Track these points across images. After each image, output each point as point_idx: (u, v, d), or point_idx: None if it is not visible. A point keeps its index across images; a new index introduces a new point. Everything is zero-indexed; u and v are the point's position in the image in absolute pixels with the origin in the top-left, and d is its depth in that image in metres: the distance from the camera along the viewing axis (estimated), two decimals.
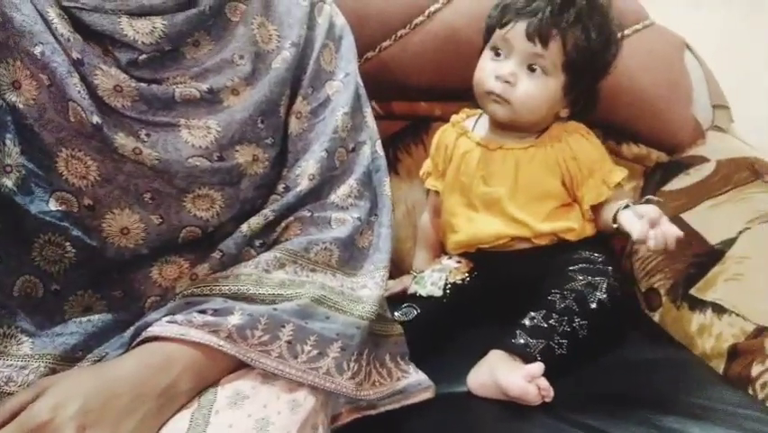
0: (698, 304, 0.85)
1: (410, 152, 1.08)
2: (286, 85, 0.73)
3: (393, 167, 1.07)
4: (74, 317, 0.65)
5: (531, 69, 0.84)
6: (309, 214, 0.73)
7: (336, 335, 0.64)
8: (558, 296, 0.79)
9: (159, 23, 0.65)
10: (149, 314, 0.65)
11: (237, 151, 0.69)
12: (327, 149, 0.74)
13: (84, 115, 0.62)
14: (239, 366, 0.62)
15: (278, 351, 0.62)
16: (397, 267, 1.06)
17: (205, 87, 0.68)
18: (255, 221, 0.71)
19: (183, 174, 0.66)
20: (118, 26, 0.63)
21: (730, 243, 0.88)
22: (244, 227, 0.70)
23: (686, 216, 0.96)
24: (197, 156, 0.67)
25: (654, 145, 1.07)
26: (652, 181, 1.06)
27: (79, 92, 0.62)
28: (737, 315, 0.79)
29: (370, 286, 0.72)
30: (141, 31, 0.64)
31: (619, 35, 0.88)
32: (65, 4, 0.62)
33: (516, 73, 0.84)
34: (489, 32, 0.89)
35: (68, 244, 0.63)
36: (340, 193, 0.75)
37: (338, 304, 0.68)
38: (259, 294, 0.66)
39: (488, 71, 0.87)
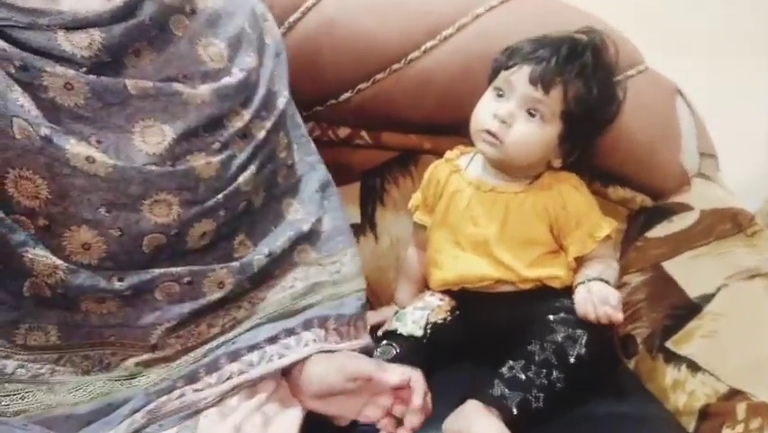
0: (673, 357, 0.86)
1: (397, 183, 1.08)
2: (234, 102, 0.74)
3: (379, 197, 1.08)
4: None
5: (530, 113, 0.85)
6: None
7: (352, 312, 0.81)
8: (538, 347, 0.80)
9: (97, 35, 0.64)
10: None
11: (188, 158, 0.70)
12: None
13: (30, 129, 0.61)
14: None
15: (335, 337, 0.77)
16: (378, 298, 1.07)
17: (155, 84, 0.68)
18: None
19: (139, 180, 0.66)
20: (55, 42, 0.62)
21: (708, 298, 0.89)
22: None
23: (667, 266, 0.97)
24: (151, 163, 0.67)
25: (640, 189, 1.08)
26: (635, 226, 1.07)
27: (22, 105, 0.61)
28: (711, 374, 0.80)
29: (346, 263, 0.85)
30: (78, 44, 0.63)
31: (621, 94, 0.89)
32: None
33: (514, 114, 0.85)
34: (494, 72, 0.89)
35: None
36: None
37: (337, 293, 0.82)
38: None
39: (487, 110, 0.87)
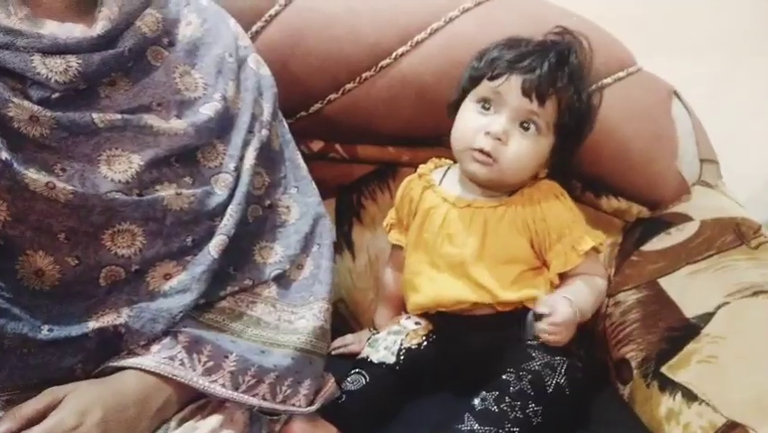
0: (668, 385, 0.79)
1: (375, 199, 1.02)
2: (211, 135, 0.72)
3: (356, 214, 1.02)
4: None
5: (524, 126, 0.80)
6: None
7: (273, 366, 0.69)
8: (513, 376, 0.73)
9: (74, 61, 0.64)
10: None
11: (157, 188, 0.68)
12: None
13: None
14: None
15: (222, 381, 0.66)
16: (358, 320, 1.01)
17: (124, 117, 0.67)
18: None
19: (101, 209, 0.64)
20: (30, 64, 0.62)
21: (707, 318, 0.81)
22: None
23: (663, 282, 0.90)
24: (116, 191, 0.65)
25: (636, 199, 1.00)
26: (631, 238, 1.00)
27: None
28: (708, 404, 0.73)
29: (307, 317, 0.75)
30: (54, 69, 0.63)
31: (598, 97, 0.85)
32: None
33: (508, 131, 0.79)
34: (472, 82, 0.83)
35: None
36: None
37: (272, 339, 0.72)
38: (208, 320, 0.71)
39: (476, 126, 0.81)
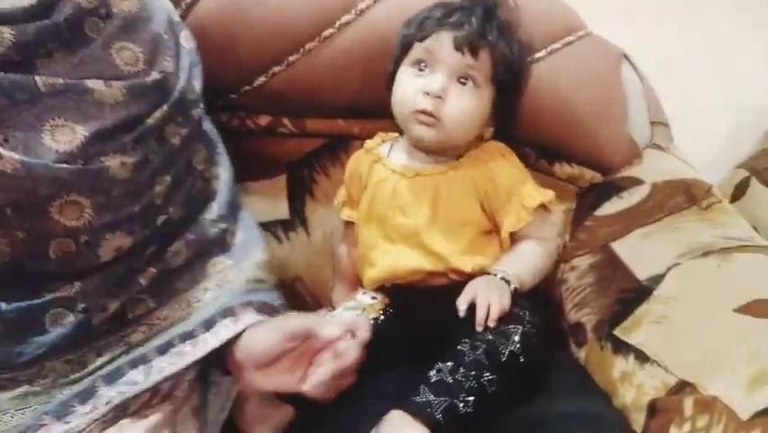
0: (621, 347, 0.79)
1: (327, 173, 1.00)
2: (149, 101, 0.71)
3: (308, 189, 1.00)
4: None
5: (461, 82, 0.79)
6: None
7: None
8: (468, 346, 0.72)
9: (7, 32, 0.62)
10: None
11: (102, 159, 0.67)
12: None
13: None
14: None
15: None
16: (316, 298, 1.00)
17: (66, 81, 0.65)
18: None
19: (49, 178, 0.63)
20: None
21: (658, 279, 0.82)
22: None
23: (616, 246, 0.90)
24: (61, 162, 0.64)
25: (588, 165, 1.00)
26: (585, 203, 1.00)
27: None
28: (659, 365, 0.73)
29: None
30: None
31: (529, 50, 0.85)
32: None
33: (446, 87, 0.79)
34: (404, 48, 0.82)
35: None
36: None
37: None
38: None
39: (414, 88, 0.80)
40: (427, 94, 0.78)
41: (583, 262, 0.93)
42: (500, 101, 0.82)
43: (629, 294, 0.83)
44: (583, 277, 0.91)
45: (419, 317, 0.83)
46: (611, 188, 0.98)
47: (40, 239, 0.64)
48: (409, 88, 0.81)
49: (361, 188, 0.88)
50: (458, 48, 0.78)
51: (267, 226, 0.95)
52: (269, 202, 0.99)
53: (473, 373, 0.70)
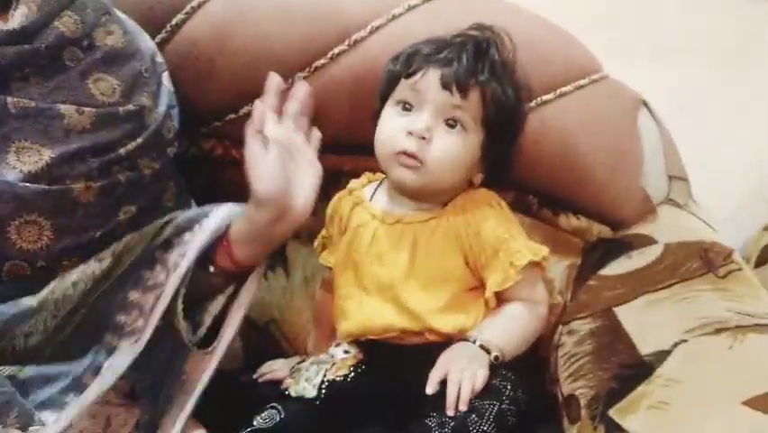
0: (615, 431, 0.70)
1: (314, 211, 0.93)
2: (121, 131, 0.71)
3: None
4: None
5: (449, 123, 0.73)
6: None
7: None
8: (435, 422, 0.65)
9: None
10: None
11: (67, 182, 0.67)
12: None
13: None
14: None
15: None
16: (292, 344, 0.94)
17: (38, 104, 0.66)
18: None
19: (9, 196, 0.64)
20: None
21: (662, 357, 0.73)
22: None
23: (620, 312, 0.82)
24: (25, 181, 0.65)
25: (596, 218, 0.92)
26: (590, 260, 0.92)
27: None
28: None
29: None
30: None
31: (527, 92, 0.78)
32: None
33: (432, 128, 0.73)
34: (390, 83, 0.77)
35: None
36: None
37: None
38: None
39: (397, 127, 0.74)
40: (411, 134, 0.72)
41: (583, 326, 0.84)
42: (491, 145, 0.75)
43: (629, 370, 0.74)
44: (581, 344, 0.83)
45: (392, 376, 0.76)
46: (620, 246, 0.89)
47: None
48: (392, 128, 0.75)
49: (341, 231, 0.82)
50: (445, 86, 0.72)
51: None
52: None
53: None
